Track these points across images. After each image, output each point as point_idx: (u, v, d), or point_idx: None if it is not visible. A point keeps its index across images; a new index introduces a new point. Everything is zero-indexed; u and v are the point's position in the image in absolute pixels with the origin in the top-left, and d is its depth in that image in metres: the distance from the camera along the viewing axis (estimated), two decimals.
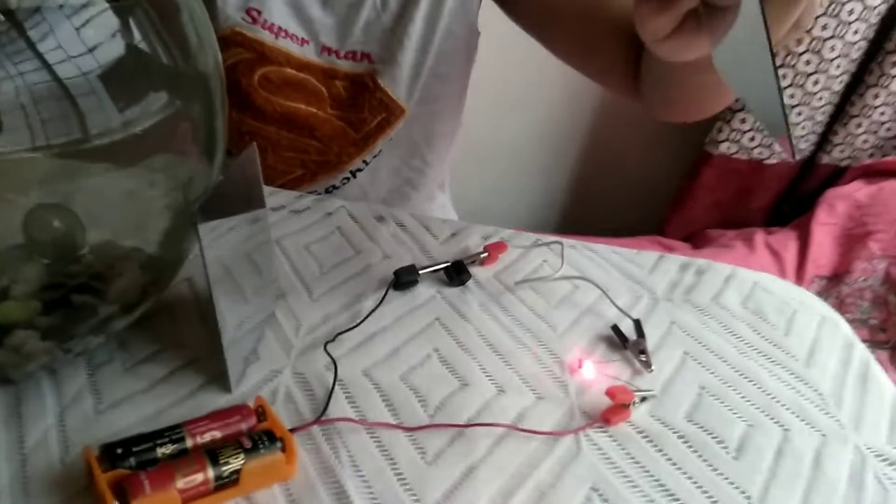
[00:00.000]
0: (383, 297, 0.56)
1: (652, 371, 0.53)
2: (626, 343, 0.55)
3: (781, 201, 1.54)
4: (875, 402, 0.54)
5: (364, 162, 0.85)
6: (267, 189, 0.68)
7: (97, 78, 0.37)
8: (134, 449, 0.37)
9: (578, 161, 1.64)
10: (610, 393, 0.48)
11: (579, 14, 0.76)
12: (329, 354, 0.49)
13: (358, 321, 0.53)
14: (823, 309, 0.65)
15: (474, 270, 0.61)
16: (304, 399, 0.46)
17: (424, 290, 0.58)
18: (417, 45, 0.79)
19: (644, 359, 0.53)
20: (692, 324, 0.59)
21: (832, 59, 1.31)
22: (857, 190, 1.39)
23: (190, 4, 0.41)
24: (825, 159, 1.45)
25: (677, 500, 0.43)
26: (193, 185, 0.43)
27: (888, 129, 1.42)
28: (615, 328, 0.56)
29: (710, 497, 0.43)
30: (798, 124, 1.39)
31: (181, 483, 0.36)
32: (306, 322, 0.53)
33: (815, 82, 1.33)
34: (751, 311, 0.63)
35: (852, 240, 1.36)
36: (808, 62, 1.30)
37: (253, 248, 0.50)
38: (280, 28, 0.77)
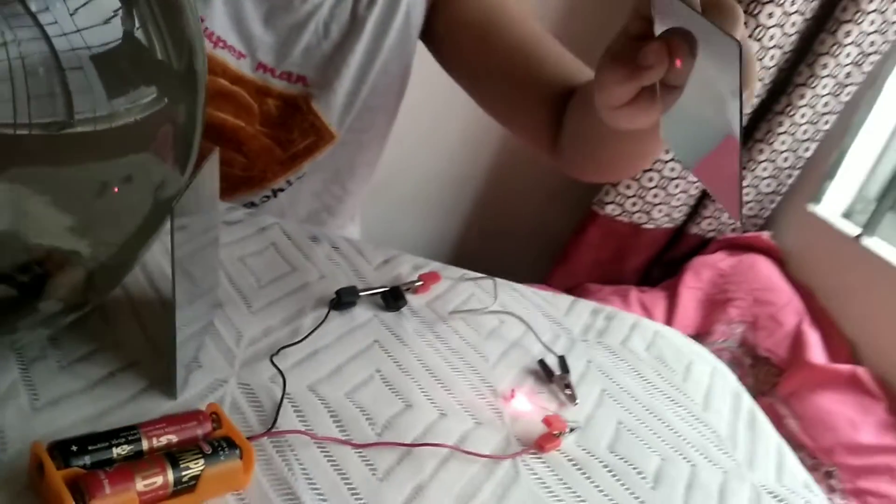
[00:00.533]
0: (326, 315, 0.56)
1: (577, 404, 0.56)
2: (552, 377, 0.58)
3: (652, 264, 1.67)
4: (763, 446, 0.60)
5: (287, 182, 0.85)
6: None
7: (91, 59, 0.36)
8: (89, 447, 0.35)
9: (475, 204, 1.70)
10: (547, 421, 0.50)
11: (511, 76, 0.80)
12: (276, 367, 0.49)
13: (301, 337, 0.53)
14: (714, 361, 0.72)
15: (408, 297, 0.62)
16: (251, 410, 0.45)
17: (362, 312, 0.59)
18: (354, 75, 0.81)
19: (569, 392, 0.57)
20: (606, 364, 0.64)
21: None
22: (721, 260, 1.54)
23: (191, 3, 0.40)
24: (694, 230, 1.60)
25: None
26: (164, 189, 0.42)
27: (750, 209, 1.58)
28: (542, 363, 0.60)
29: None
30: (675, 195, 1.52)
31: (140, 485, 0.35)
32: (247, 333, 0.52)
33: None
34: (654, 357, 0.68)
35: (714, 304, 1.49)
36: None
37: (202, 254, 0.49)
38: (219, 38, 0.76)
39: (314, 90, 0.80)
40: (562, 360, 0.60)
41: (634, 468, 0.51)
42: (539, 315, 0.69)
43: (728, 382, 0.69)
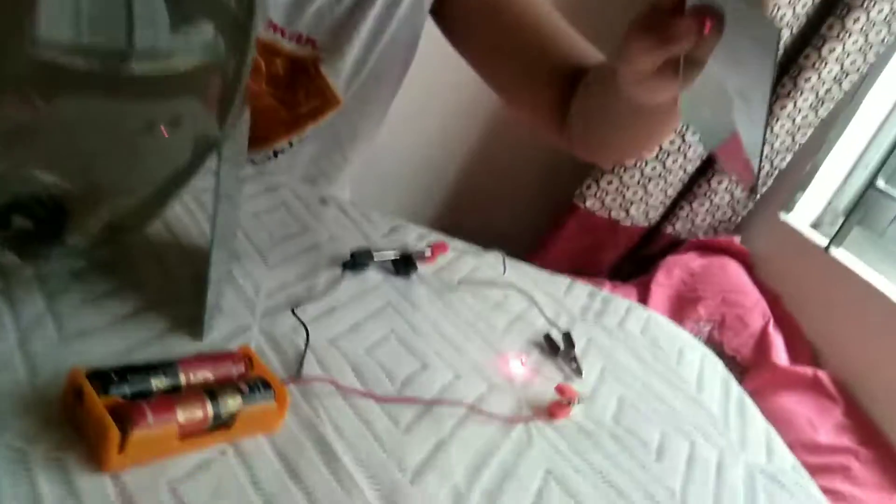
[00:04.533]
0: (342, 274, 0.56)
1: (582, 378, 0.57)
2: (558, 351, 0.59)
3: (626, 260, 1.70)
4: (753, 429, 0.62)
5: (290, 143, 0.84)
6: None
7: None
8: (129, 377, 0.35)
9: (452, 193, 1.71)
10: (560, 389, 0.51)
11: (520, 54, 0.81)
12: (299, 318, 0.48)
13: (317, 293, 0.53)
14: (702, 348, 0.74)
15: (418, 265, 0.63)
16: (275, 358, 0.45)
17: (373, 276, 0.59)
18: (364, 42, 0.80)
19: (575, 366, 0.58)
20: (605, 343, 0.65)
21: (692, 144, 1.49)
22: (693, 260, 1.57)
23: None
24: (669, 229, 1.63)
25: (617, 489, 0.47)
26: (202, 138, 0.42)
27: (723, 213, 1.62)
28: (548, 337, 0.61)
29: (643, 489, 0.48)
30: (653, 195, 1.56)
31: (182, 417, 0.34)
32: (265, 286, 0.52)
33: (674, 160, 1.50)
34: (648, 340, 0.70)
35: (684, 302, 1.53)
36: (672, 141, 1.47)
37: (230, 201, 0.48)
38: None
39: (323, 54, 0.80)
40: (567, 336, 0.61)
41: (639, 440, 0.53)
42: (540, 292, 0.70)
43: (717, 369, 0.71)
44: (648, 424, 0.55)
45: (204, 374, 0.38)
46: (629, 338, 0.68)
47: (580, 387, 0.56)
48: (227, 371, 0.39)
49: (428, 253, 0.64)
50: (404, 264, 0.61)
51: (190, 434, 0.35)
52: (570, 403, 0.52)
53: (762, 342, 1.43)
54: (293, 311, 0.49)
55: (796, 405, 1.31)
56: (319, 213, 0.65)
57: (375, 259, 0.59)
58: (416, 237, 0.69)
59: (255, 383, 0.38)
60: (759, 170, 0.47)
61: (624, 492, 0.47)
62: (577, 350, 0.61)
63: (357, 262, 0.58)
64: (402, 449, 0.42)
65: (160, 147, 0.39)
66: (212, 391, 0.36)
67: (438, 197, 1.73)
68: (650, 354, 0.67)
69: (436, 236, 0.70)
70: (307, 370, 0.45)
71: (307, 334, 0.47)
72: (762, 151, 0.46)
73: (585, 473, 0.47)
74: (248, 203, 0.62)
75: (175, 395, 0.35)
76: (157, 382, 0.36)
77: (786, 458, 0.60)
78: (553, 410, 0.51)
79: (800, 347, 1.44)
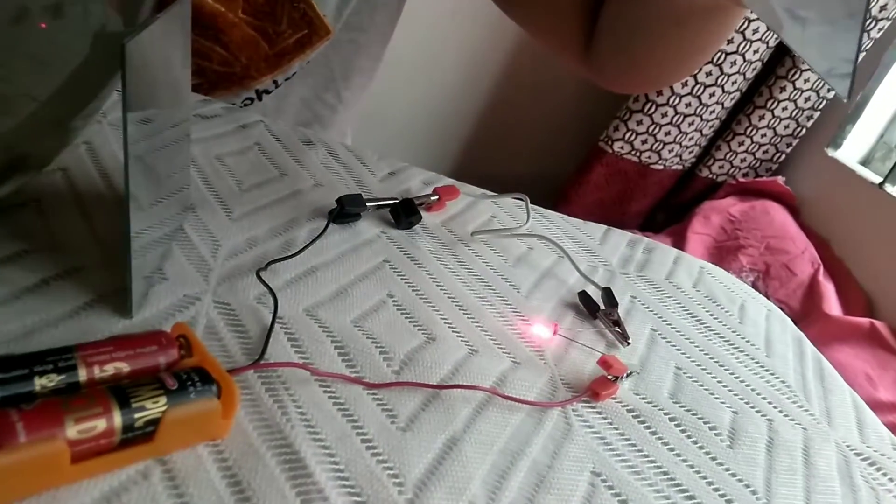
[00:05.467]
0: (326, 227, 0.45)
1: (629, 344, 0.46)
2: (597, 312, 0.48)
3: (658, 208, 1.58)
4: (838, 401, 0.51)
5: (274, 83, 0.73)
6: None
7: None
8: (1, 376, 0.24)
9: (471, 141, 1.58)
10: (604, 362, 0.40)
11: None
12: (265, 283, 0.38)
13: (295, 250, 0.42)
14: (767, 303, 0.62)
15: (422, 214, 0.52)
16: (231, 336, 0.34)
17: (367, 228, 0.48)
18: None
19: (619, 331, 0.47)
20: (652, 300, 0.54)
21: (730, 75, 1.35)
22: (732, 205, 1.44)
23: None
24: (705, 172, 1.50)
25: (683, 490, 0.36)
26: (105, 36, 0.30)
27: (765, 152, 1.48)
28: (584, 295, 0.49)
29: (715, 488, 0.37)
30: (687, 134, 1.42)
31: (73, 430, 0.24)
32: (226, 243, 0.41)
33: (711, 95, 1.36)
34: (703, 295, 0.58)
35: (724, 251, 1.40)
36: (708, 73, 1.33)
37: (167, 140, 0.37)
38: None
39: None
40: (607, 293, 0.50)
41: (706, 422, 0.42)
42: (571, 243, 0.58)
43: (787, 327, 0.59)
44: (715, 401, 0.44)
45: (116, 366, 0.27)
46: (680, 293, 0.57)
47: (628, 357, 0.45)
48: (150, 360, 0.28)
49: (434, 198, 0.53)
50: (405, 213, 0.50)
51: (88, 454, 0.25)
52: (617, 379, 0.41)
53: (812, 292, 1.31)
54: (258, 275, 0.38)
55: (853, 359, 1.20)
56: (303, 156, 0.54)
57: (369, 207, 0.48)
58: (420, 182, 0.57)
59: (189, 376, 0.27)
60: (856, 65, 0.35)
61: (692, 490, 0.36)
62: (621, 311, 0.50)
63: (345, 210, 0.47)
64: (401, 453, 0.31)
65: (40, 45, 0.28)
66: (121, 390, 0.26)
67: (452, 146, 1.60)
68: (706, 312, 0.55)
69: (446, 181, 0.59)
70: (275, 350, 0.34)
71: (275, 303, 0.36)
72: (860, 40, 0.34)
73: (642, 471, 0.36)
74: (212, 143, 0.51)
75: (68, 397, 0.25)
76: (44, 381, 0.25)
77: (883, 436, 0.48)
78: (596, 388, 0.40)
79: (853, 296, 1.32)
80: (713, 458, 0.39)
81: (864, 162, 1.49)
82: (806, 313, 1.29)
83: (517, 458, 0.34)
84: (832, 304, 1.28)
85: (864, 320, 1.24)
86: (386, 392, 0.34)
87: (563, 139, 1.56)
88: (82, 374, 0.26)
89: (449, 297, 0.44)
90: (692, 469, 0.38)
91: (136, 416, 0.25)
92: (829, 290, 1.31)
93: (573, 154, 1.53)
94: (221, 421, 0.28)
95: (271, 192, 0.48)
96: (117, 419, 0.25)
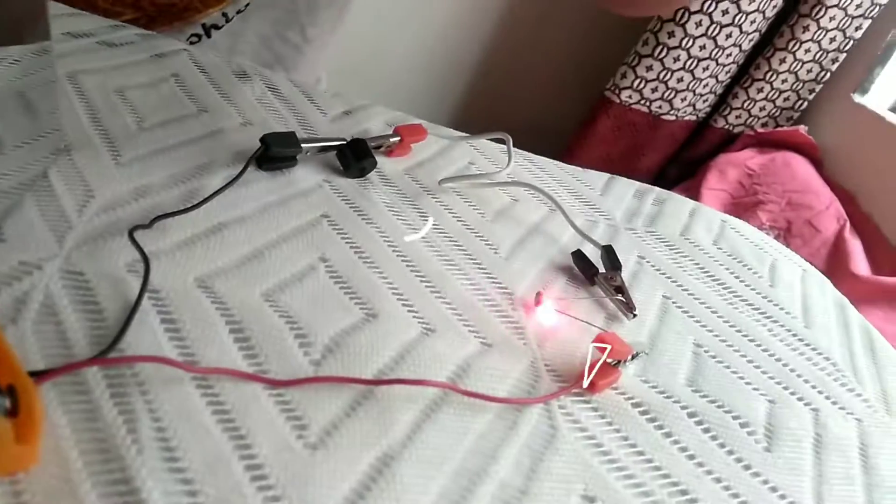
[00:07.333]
0: (241, 172, 0.35)
1: (635, 317, 0.36)
2: (595, 277, 0.38)
3: (670, 162, 1.47)
4: (893, 378, 0.41)
5: (224, 16, 0.62)
6: (67, 8, 0.45)
7: None
8: None
9: (469, 90, 1.47)
10: (601, 339, 0.30)
11: None
12: (138, 245, 0.28)
13: (195, 202, 0.32)
14: (802, 262, 0.52)
15: (379, 159, 0.42)
16: (78, 317, 0.25)
17: (306, 176, 0.38)
18: None
19: (622, 299, 0.37)
20: (664, 261, 0.44)
21: (749, 13, 1.22)
22: (750, 158, 1.33)
23: None
24: (720, 123, 1.38)
25: None
26: None
27: (786, 99, 1.36)
28: (578, 255, 0.40)
29: None
30: (702, 81, 1.30)
31: None
32: (103, 193, 0.31)
33: (728, 35, 1.24)
34: (726, 254, 0.48)
35: (741, 208, 1.29)
36: (725, 12, 1.21)
37: (28, 82, 0.27)
38: None
39: None
40: (609, 252, 0.40)
41: (735, 416, 0.32)
42: (565, 193, 0.48)
43: (826, 291, 0.49)
44: (746, 388, 0.35)
45: None
46: (698, 252, 0.47)
47: (633, 333, 0.35)
48: None
49: (395, 140, 0.43)
50: (356, 156, 0.40)
51: None
52: (619, 364, 0.31)
53: (838, 250, 1.21)
54: (131, 234, 0.28)
55: (883, 322, 1.09)
56: (233, 90, 0.44)
57: (305, 149, 0.38)
58: (383, 124, 0.47)
59: None
60: None
61: None
62: (625, 274, 0.40)
63: (271, 153, 0.37)
64: (303, 485, 0.22)
65: None
66: None
67: (448, 97, 1.49)
68: (731, 274, 0.45)
69: (414, 122, 0.49)
70: (136, 340, 0.25)
71: (146, 270, 0.27)
72: None
73: (652, 490, 0.27)
74: (113, 74, 0.41)
75: None
76: None
77: None
78: (592, 377, 0.30)
79: (882, 254, 1.21)
80: (746, 467, 0.30)
81: (895, 108, 1.37)
82: (831, 273, 1.18)
83: (477, 482, 0.24)
84: (859, 263, 1.18)
85: (894, 280, 1.14)
86: (297, 392, 0.25)
87: (566, 88, 1.45)
88: None
89: (403, 261, 0.34)
90: (719, 484, 0.28)
91: None
92: (856, 247, 1.20)
93: (577, 105, 1.42)
94: (15, 448, 0.19)
95: (180, 132, 0.38)
96: None
